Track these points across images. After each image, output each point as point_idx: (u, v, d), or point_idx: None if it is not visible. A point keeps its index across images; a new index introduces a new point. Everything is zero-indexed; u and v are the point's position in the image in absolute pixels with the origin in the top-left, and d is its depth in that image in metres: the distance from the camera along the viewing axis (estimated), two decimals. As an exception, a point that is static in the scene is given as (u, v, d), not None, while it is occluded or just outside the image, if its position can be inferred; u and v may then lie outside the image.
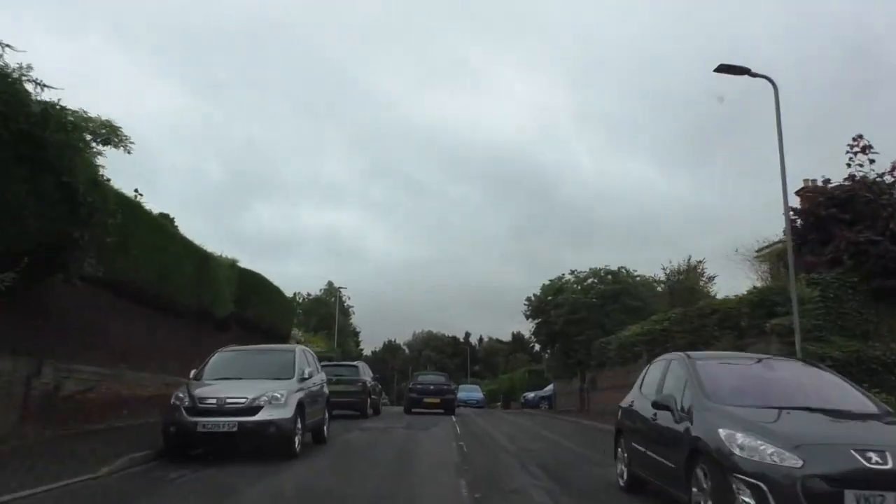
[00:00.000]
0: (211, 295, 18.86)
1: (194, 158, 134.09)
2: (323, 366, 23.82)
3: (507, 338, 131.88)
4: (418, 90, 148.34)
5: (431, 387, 27.90)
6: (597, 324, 29.98)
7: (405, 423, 20.21)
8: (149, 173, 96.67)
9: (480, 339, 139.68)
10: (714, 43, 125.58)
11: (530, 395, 42.09)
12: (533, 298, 34.18)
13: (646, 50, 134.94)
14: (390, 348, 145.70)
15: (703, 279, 27.94)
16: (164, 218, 18.48)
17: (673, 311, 20.99)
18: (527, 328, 39.82)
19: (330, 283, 79.06)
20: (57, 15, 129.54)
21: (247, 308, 21.97)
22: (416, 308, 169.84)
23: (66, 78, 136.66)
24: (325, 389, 14.14)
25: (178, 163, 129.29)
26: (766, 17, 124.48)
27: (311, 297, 57.66)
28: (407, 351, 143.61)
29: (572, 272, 33.23)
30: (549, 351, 36.42)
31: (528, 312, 34.08)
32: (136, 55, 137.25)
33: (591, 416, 26.49)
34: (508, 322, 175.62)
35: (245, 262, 23.38)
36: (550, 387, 41.37)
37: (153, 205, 17.29)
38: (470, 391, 42.80)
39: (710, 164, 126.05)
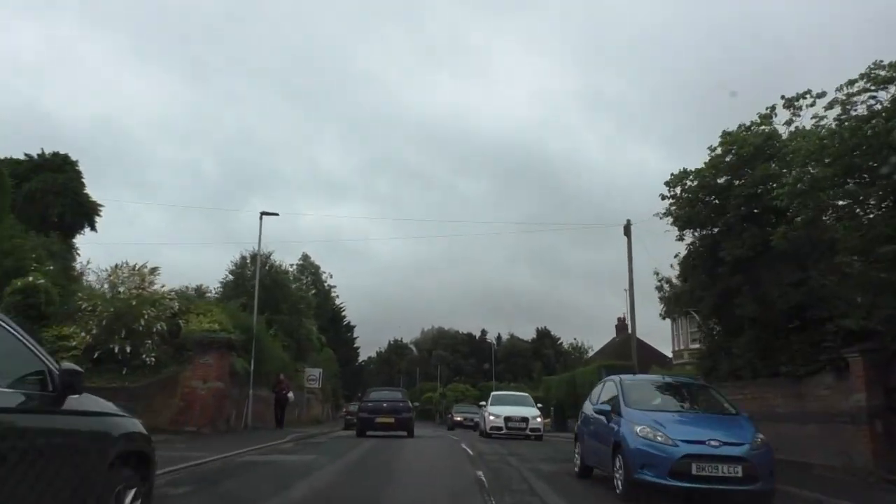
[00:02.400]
0: None
1: (188, 154, 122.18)
2: None
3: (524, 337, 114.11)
4: (417, 76, 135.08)
5: (384, 404, 22.67)
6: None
7: None
8: (140, 169, 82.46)
9: (499, 338, 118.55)
10: (729, 27, 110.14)
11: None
12: (688, 180, 13.24)
13: (657, 32, 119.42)
14: (396, 348, 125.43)
15: None
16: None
17: None
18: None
19: (305, 256, 58.43)
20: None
21: None
22: (421, 308, 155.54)
23: (40, 62, 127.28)
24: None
25: (170, 158, 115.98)
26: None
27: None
28: (415, 351, 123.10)
29: (792, 101, 12.10)
30: (713, 324, 14.97)
31: (673, 212, 13.21)
32: (115, 41, 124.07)
33: None
34: (518, 322, 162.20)
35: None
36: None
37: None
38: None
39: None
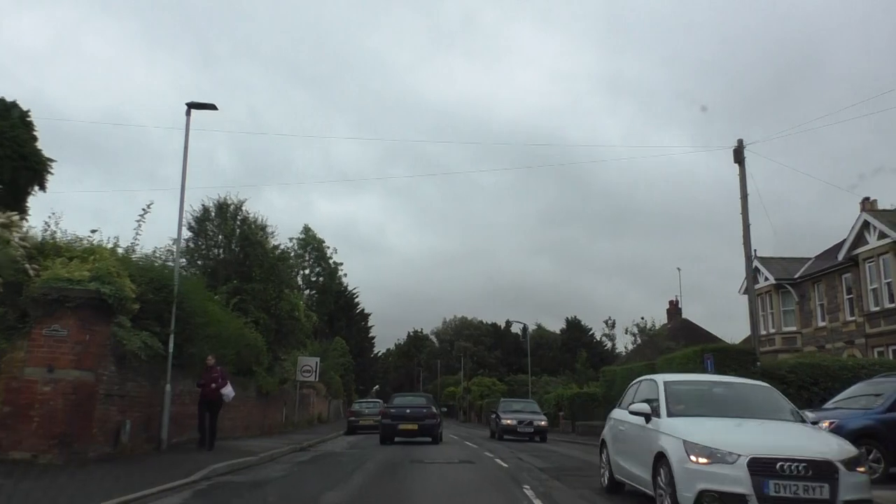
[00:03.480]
0: None
1: (200, 144, 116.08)
2: None
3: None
4: (431, 60, 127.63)
5: (408, 410, 21.47)
6: None
7: None
8: (154, 160, 78.95)
9: (524, 329, 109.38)
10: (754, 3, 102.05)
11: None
12: None
13: (679, 9, 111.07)
14: (415, 339, 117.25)
15: None
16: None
17: None
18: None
19: (306, 229, 49.96)
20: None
21: None
22: (439, 303, 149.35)
23: (43, 50, 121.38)
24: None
25: (180, 149, 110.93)
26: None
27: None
28: (436, 342, 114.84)
29: None
30: None
31: None
32: (121, 28, 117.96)
33: None
34: (539, 315, 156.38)
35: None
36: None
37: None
38: None
39: (754, 139, 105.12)
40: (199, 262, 23.31)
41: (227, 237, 23.88)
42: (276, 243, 25.24)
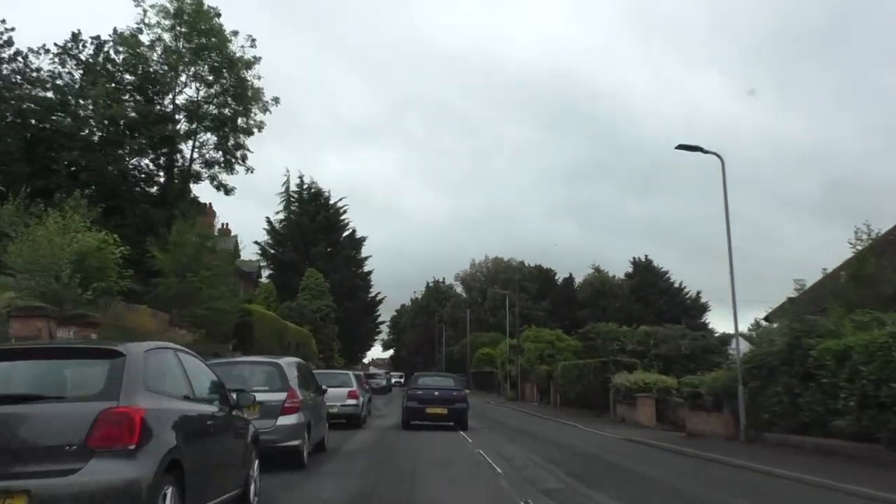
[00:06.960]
0: None
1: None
2: None
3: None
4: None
5: (436, 392, 20.46)
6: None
7: None
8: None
9: (570, 277, 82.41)
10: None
11: None
12: None
13: None
14: (436, 292, 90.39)
15: None
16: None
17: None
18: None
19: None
20: None
21: None
22: (460, 264, 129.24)
23: None
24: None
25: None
26: None
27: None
28: (462, 292, 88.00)
29: None
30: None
31: None
32: None
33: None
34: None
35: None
36: None
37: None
38: None
39: (797, 83, 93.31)
40: None
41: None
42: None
